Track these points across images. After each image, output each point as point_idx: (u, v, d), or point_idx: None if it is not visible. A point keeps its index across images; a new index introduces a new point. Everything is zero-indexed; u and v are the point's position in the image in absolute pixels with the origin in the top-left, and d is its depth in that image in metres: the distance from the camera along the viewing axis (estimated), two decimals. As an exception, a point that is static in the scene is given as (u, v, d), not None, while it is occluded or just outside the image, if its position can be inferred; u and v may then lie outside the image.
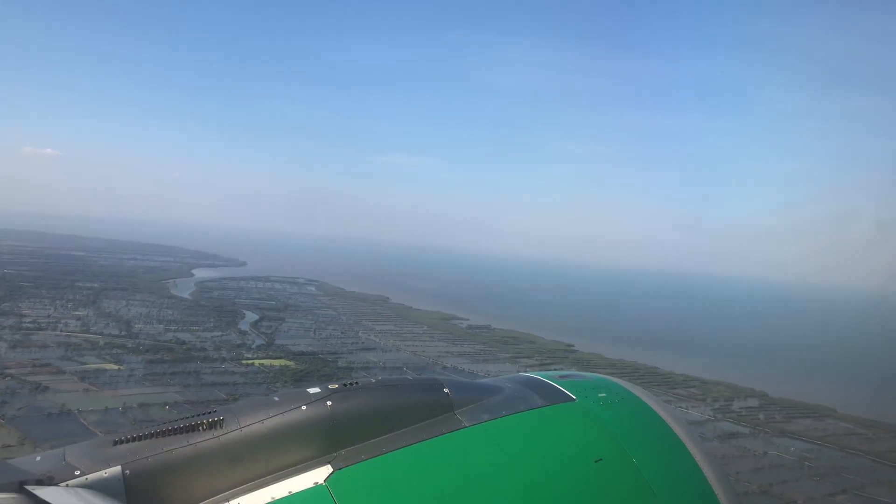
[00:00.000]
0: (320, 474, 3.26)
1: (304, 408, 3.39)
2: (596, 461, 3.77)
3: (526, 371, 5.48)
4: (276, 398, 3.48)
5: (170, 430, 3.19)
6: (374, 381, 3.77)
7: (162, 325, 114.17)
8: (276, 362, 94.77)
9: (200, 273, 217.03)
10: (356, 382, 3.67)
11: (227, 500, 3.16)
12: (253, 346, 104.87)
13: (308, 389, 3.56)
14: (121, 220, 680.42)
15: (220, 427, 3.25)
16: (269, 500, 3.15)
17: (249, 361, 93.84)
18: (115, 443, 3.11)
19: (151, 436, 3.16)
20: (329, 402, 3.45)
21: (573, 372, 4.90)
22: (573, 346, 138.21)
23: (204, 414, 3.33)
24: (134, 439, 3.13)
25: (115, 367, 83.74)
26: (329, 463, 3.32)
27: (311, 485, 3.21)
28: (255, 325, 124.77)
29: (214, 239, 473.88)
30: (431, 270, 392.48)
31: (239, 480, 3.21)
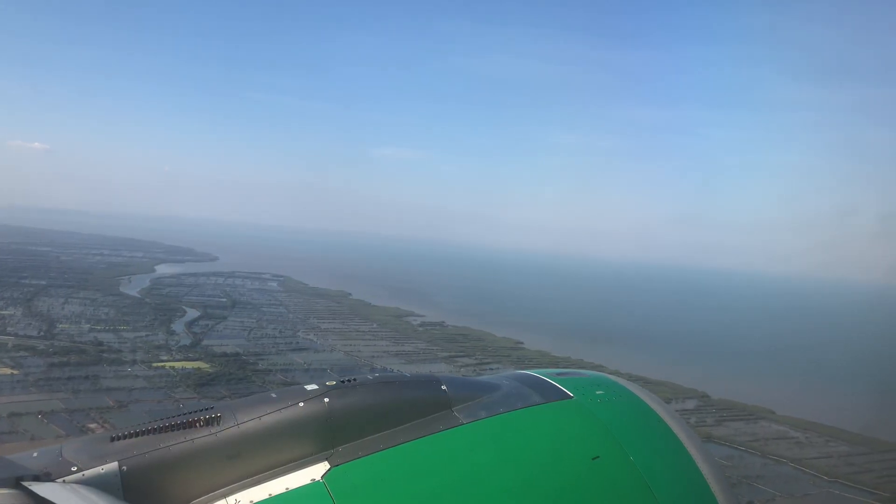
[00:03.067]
0: (317, 471, 3.27)
1: (301, 404, 3.41)
2: (593, 459, 3.73)
3: (513, 370, 5.04)
4: (274, 395, 3.48)
5: (167, 427, 3.21)
6: (371, 377, 3.76)
7: (88, 325, 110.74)
8: (191, 365, 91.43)
9: (163, 269, 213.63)
10: (354, 379, 3.65)
11: (225, 497, 3.18)
12: (175, 347, 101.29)
13: (305, 386, 3.55)
14: (110, 214, 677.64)
15: (218, 423, 3.26)
16: (267, 496, 3.17)
17: (161, 364, 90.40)
18: (113, 439, 3.14)
19: (149, 432, 3.18)
20: (326, 399, 3.46)
21: (571, 370, 4.75)
22: (522, 343, 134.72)
23: (201, 410, 3.34)
24: (131, 435, 3.15)
25: (10, 371, 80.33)
26: (326, 460, 3.33)
27: (308, 481, 3.22)
28: (190, 323, 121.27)
29: (200, 233, 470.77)
30: (414, 264, 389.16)
31: (236, 477, 3.22)
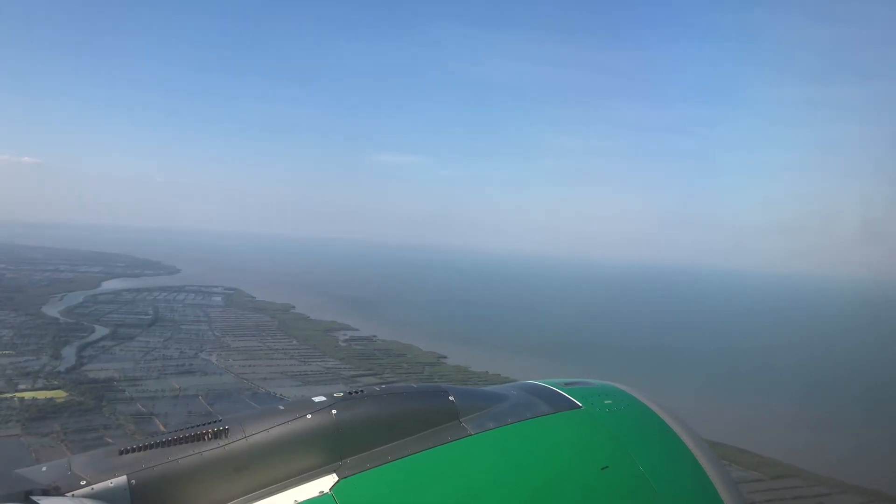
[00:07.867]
0: (326, 483, 3.26)
1: (309, 416, 3.42)
2: (602, 469, 3.71)
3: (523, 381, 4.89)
4: (282, 407, 3.50)
5: (175, 440, 3.22)
6: (378, 389, 3.77)
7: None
8: (47, 394, 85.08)
9: (111, 284, 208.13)
10: (361, 391, 3.67)
11: None
12: (44, 374, 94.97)
13: (313, 398, 3.57)
14: (96, 227, 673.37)
15: (226, 436, 3.28)
16: None
17: (12, 395, 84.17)
18: (121, 452, 3.15)
19: (157, 445, 3.19)
20: (334, 411, 3.47)
21: (579, 379, 4.64)
22: (445, 357, 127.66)
23: (209, 423, 3.36)
24: (139, 449, 3.17)
25: None
26: (334, 472, 3.32)
27: (316, 494, 3.21)
28: (86, 346, 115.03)
29: (180, 243, 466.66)
30: (392, 271, 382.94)
31: (244, 490, 3.23)
